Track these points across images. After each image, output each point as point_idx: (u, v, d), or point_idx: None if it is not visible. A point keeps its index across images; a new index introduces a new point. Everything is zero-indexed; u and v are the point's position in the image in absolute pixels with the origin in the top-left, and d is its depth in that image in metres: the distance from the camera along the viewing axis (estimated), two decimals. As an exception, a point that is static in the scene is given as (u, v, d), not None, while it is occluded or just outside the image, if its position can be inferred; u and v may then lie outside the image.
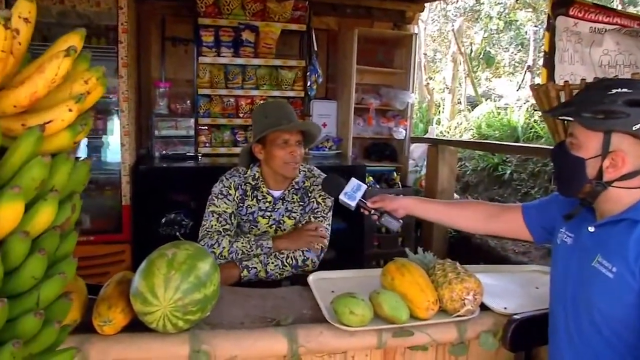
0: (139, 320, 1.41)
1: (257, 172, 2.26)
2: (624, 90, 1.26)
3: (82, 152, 4.21)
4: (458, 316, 1.60)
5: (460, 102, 8.83)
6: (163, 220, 3.98)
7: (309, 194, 2.28)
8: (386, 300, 1.54)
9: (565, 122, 1.71)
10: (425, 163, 5.08)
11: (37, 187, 0.93)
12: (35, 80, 0.95)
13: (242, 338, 1.46)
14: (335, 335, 1.51)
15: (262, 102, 4.41)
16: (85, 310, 1.43)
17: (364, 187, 1.92)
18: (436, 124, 7.95)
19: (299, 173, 2.28)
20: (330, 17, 4.99)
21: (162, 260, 1.38)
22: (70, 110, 0.98)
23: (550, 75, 3.55)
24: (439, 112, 8.72)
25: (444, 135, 7.36)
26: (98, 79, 1.07)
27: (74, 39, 1.02)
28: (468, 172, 6.04)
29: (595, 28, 3.23)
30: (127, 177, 3.93)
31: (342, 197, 1.90)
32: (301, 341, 1.47)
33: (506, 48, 12.94)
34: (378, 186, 4.88)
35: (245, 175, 2.27)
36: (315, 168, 2.39)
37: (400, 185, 4.95)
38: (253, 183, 2.26)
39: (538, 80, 5.62)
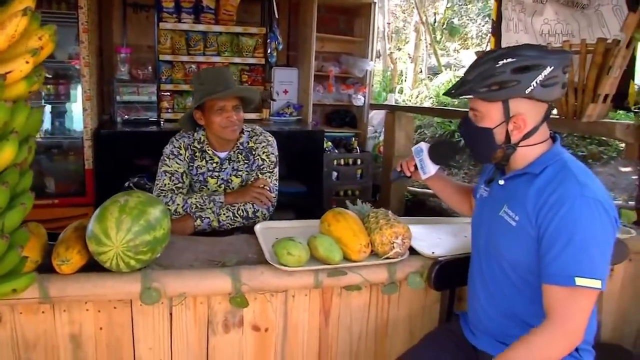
0: (94, 262, 1.54)
1: (203, 135, 2.38)
2: (510, 60, 1.40)
3: (46, 118, 4.27)
4: (387, 258, 1.78)
5: (422, 71, 8.98)
6: (127, 184, 4.05)
7: (253, 152, 2.41)
8: (321, 243, 1.72)
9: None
10: (383, 129, 5.25)
11: (0, 127, 1.07)
12: None
13: (190, 277, 1.62)
14: (275, 275, 1.67)
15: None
16: (45, 253, 1.56)
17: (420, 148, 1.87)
18: (399, 92, 8.11)
19: (243, 134, 2.40)
20: (291, -16, 5.05)
21: (115, 206, 1.52)
22: (27, 62, 1.14)
23: (498, 43, 3.75)
24: (402, 81, 8.87)
25: (406, 104, 7.54)
26: (50, 36, 1.22)
27: (28, 1, 1.15)
28: (426, 139, 6.25)
29: (537, -2, 3.39)
30: (89, 141, 4.02)
31: (433, 168, 1.85)
32: (244, 280, 1.64)
33: (474, 19, 13.06)
34: (337, 151, 5.05)
35: (193, 138, 2.38)
36: (257, 127, 2.51)
37: (358, 150, 5.14)
38: (199, 146, 2.37)
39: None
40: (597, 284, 1.27)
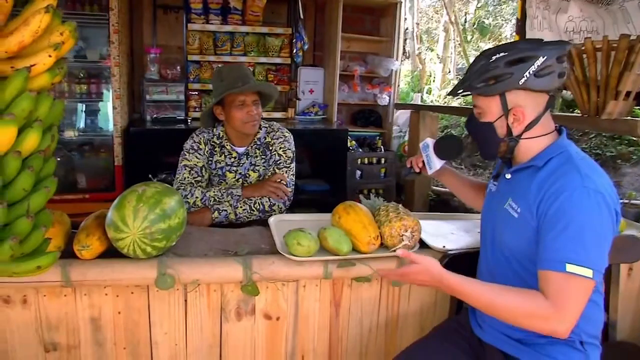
0: (114, 249, 1.63)
1: (222, 130, 2.45)
2: (502, 54, 1.43)
3: (79, 116, 4.44)
4: (396, 250, 1.81)
5: (450, 72, 8.93)
6: (154, 180, 4.18)
7: (270, 148, 2.47)
8: (331, 234, 1.76)
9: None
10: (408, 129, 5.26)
11: (25, 116, 1.21)
12: (22, 31, 1.22)
13: (203, 265, 1.68)
14: (286, 265, 1.73)
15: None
16: (68, 240, 1.66)
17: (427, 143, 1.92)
18: (427, 93, 8.09)
19: (260, 129, 2.47)
20: (317, -15, 5.11)
21: (132, 195, 1.60)
22: (49, 56, 1.26)
23: (522, 42, 3.72)
24: (431, 81, 8.84)
25: (433, 104, 7.51)
26: (70, 32, 1.32)
27: None
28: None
29: (561, -5, 3.38)
30: (119, 138, 4.15)
31: (438, 163, 1.88)
32: (255, 269, 1.69)
33: (508, 19, 12.90)
34: (361, 150, 5.09)
35: (212, 133, 2.46)
36: (275, 123, 2.57)
37: (382, 150, 5.17)
38: (218, 141, 2.45)
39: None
40: (588, 272, 1.27)
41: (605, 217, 1.33)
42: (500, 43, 12.49)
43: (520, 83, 1.41)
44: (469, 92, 1.54)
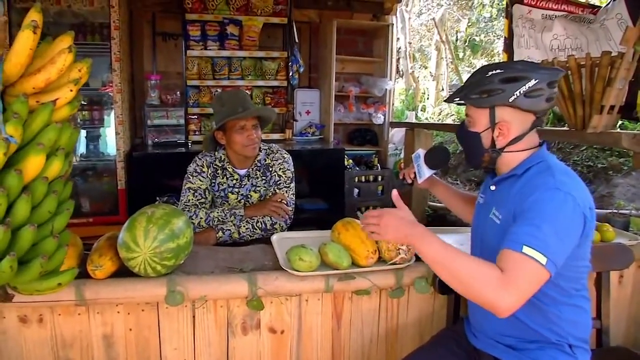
0: (125, 269, 1.72)
1: (223, 154, 2.55)
2: (498, 71, 1.54)
3: (81, 142, 4.54)
4: (394, 264, 1.90)
5: (443, 89, 9.09)
6: (156, 202, 4.28)
7: (270, 169, 2.57)
8: (331, 249, 1.85)
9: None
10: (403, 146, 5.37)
11: (51, 145, 1.31)
12: (49, 69, 1.35)
13: (211, 282, 1.77)
14: (289, 280, 1.81)
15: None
16: (80, 261, 1.74)
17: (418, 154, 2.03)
18: (421, 110, 8.23)
19: (260, 151, 2.57)
20: (311, 10, 5.29)
21: (142, 216, 1.70)
22: (71, 90, 1.40)
23: (510, 59, 3.86)
24: (425, 99, 8.99)
25: (428, 121, 7.65)
26: (87, 68, 1.45)
27: (68, 40, 1.44)
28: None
29: (546, 15, 3.53)
30: (122, 163, 4.25)
31: (427, 172, 1.99)
32: (260, 284, 1.78)
33: (500, 36, 13.11)
34: (357, 168, 5.19)
35: (214, 157, 2.56)
36: (274, 145, 2.67)
37: (379, 167, 5.27)
38: (220, 164, 2.55)
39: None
40: (541, 258, 1.32)
41: (572, 216, 1.39)
42: (492, 59, 12.76)
43: (510, 100, 1.51)
44: (463, 102, 1.64)
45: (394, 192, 1.56)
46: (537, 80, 1.50)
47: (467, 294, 1.40)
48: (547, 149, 1.63)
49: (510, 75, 1.51)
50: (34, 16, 1.28)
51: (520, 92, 1.50)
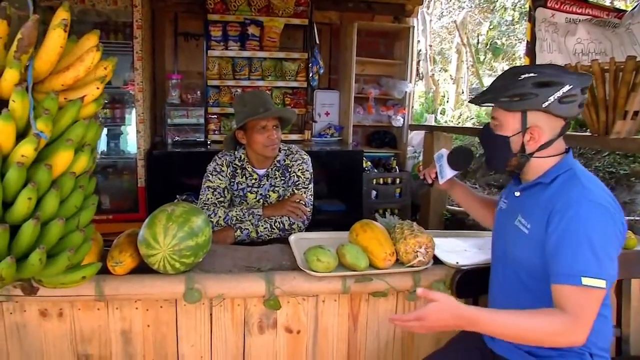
0: (144, 266, 1.73)
1: (243, 153, 2.57)
2: (531, 74, 1.51)
3: (102, 140, 4.60)
4: (411, 266, 1.89)
5: (463, 92, 9.03)
6: (175, 200, 4.31)
7: (289, 170, 2.58)
8: (349, 251, 1.85)
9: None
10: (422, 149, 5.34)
11: (79, 141, 1.36)
12: (78, 67, 1.39)
13: (228, 280, 1.78)
14: (306, 280, 1.81)
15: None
16: (101, 257, 1.76)
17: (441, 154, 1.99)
18: (441, 113, 8.18)
19: (280, 152, 2.57)
20: (332, 11, 5.29)
21: (163, 214, 1.71)
22: (97, 88, 1.45)
23: (533, 63, 3.81)
24: (444, 102, 8.94)
25: (447, 124, 7.60)
26: (112, 67, 1.49)
27: (94, 38, 1.46)
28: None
29: (570, 19, 3.49)
30: (142, 161, 4.30)
31: (450, 173, 1.96)
32: (277, 283, 1.79)
33: (521, 39, 12.97)
34: (376, 170, 5.18)
35: (234, 156, 2.57)
36: (294, 146, 2.68)
37: (397, 170, 5.26)
38: (240, 164, 2.56)
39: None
40: (601, 283, 1.34)
41: (612, 228, 1.41)
42: (513, 62, 12.64)
43: (544, 105, 1.49)
44: (491, 104, 1.61)
45: (419, 290, 1.42)
46: (571, 86, 1.48)
47: (543, 346, 1.46)
48: None
49: (544, 80, 1.49)
50: (64, 15, 1.31)
51: (555, 97, 1.48)
